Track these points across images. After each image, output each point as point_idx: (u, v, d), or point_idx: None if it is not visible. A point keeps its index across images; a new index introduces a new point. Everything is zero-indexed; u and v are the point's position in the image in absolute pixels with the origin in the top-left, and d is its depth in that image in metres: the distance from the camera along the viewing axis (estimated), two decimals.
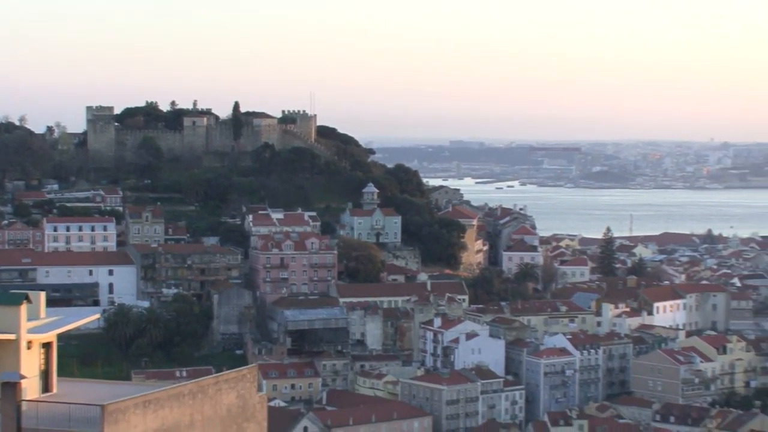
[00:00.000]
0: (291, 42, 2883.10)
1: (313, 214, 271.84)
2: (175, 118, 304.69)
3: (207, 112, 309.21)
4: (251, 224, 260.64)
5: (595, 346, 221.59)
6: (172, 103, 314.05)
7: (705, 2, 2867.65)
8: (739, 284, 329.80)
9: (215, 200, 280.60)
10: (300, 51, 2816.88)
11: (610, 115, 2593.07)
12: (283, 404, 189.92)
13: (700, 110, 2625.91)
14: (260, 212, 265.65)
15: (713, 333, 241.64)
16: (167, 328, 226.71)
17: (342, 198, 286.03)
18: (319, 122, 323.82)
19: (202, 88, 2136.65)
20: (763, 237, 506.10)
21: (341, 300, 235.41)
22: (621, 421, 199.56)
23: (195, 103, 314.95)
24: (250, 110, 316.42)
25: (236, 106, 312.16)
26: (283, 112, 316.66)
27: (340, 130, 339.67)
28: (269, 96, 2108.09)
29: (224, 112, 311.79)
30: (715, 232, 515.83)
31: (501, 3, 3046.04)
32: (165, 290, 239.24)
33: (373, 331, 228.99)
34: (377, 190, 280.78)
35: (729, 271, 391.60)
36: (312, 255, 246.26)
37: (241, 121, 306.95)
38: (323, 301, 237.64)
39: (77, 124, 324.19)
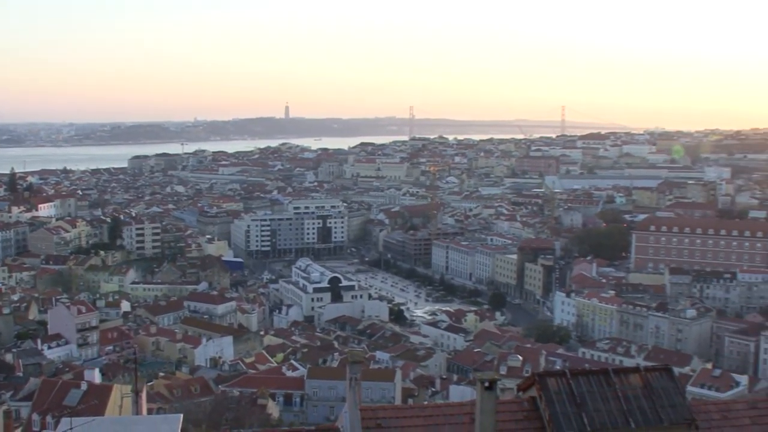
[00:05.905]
0: None
1: None
2: None
3: None
4: None
5: (8, 229, 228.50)
6: None
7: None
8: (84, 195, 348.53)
9: None
10: None
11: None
12: None
13: (55, 99, 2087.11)
14: None
15: (71, 218, 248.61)
16: None
17: None
18: None
19: None
20: (93, 170, 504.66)
21: None
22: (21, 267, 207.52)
23: None
24: None
25: None
26: None
27: None
28: None
29: None
30: (69, 168, 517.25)
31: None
32: None
33: None
34: None
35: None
36: None
37: None
38: None
39: None
